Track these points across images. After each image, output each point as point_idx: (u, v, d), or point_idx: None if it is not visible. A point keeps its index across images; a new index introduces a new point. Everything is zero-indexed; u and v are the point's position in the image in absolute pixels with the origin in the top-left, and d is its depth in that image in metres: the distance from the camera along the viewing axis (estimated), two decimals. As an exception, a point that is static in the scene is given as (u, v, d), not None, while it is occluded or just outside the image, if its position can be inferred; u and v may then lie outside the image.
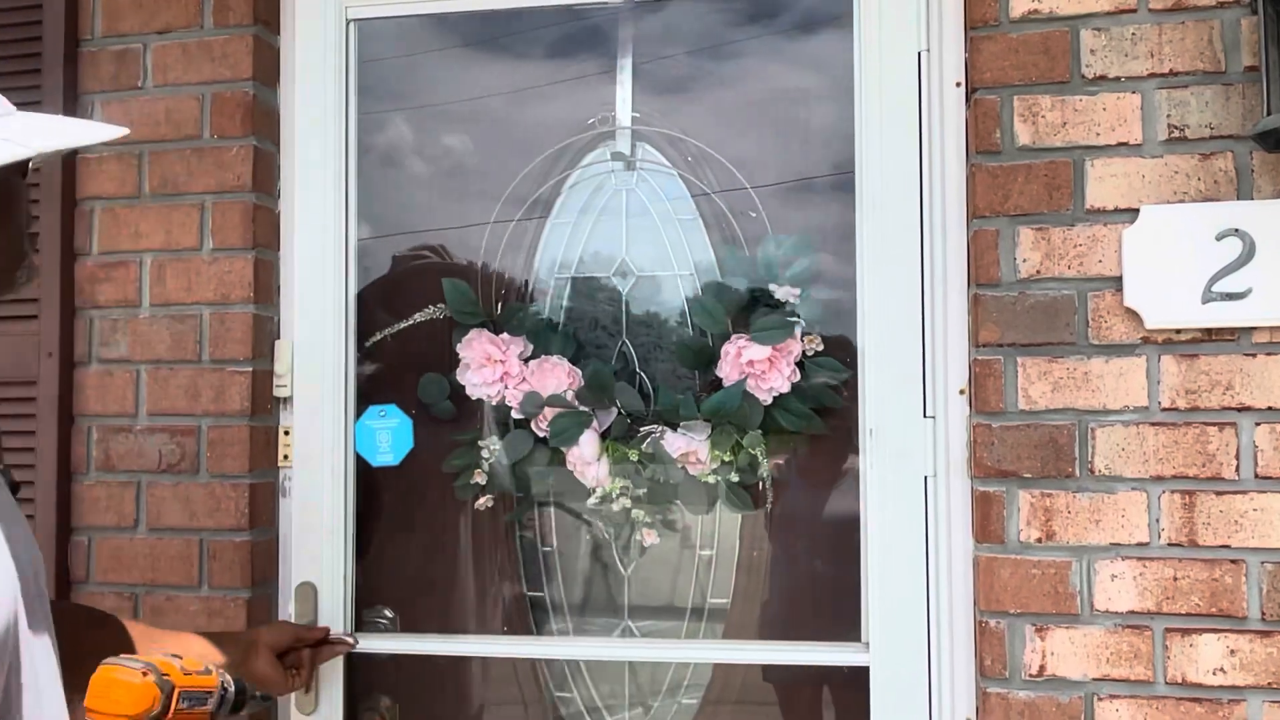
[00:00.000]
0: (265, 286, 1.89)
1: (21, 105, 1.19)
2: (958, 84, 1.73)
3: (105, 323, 1.90)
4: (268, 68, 1.91)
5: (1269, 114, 1.48)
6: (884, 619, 1.71)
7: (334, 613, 1.86)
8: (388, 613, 1.93)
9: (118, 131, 1.07)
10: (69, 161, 1.90)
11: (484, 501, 1.89)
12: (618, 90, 1.87)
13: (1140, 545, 1.56)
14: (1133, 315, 1.58)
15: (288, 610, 1.87)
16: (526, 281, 1.91)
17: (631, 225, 1.88)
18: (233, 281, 1.85)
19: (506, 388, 1.86)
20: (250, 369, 1.85)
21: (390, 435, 1.89)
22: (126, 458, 1.88)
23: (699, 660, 1.87)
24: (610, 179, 1.89)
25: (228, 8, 1.87)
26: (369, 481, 1.92)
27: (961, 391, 1.71)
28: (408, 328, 1.92)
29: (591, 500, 1.85)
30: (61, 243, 1.89)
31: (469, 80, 1.93)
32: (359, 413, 1.91)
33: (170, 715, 1.11)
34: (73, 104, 1.89)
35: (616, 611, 1.88)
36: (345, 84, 1.92)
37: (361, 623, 1.90)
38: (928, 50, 1.74)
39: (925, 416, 1.72)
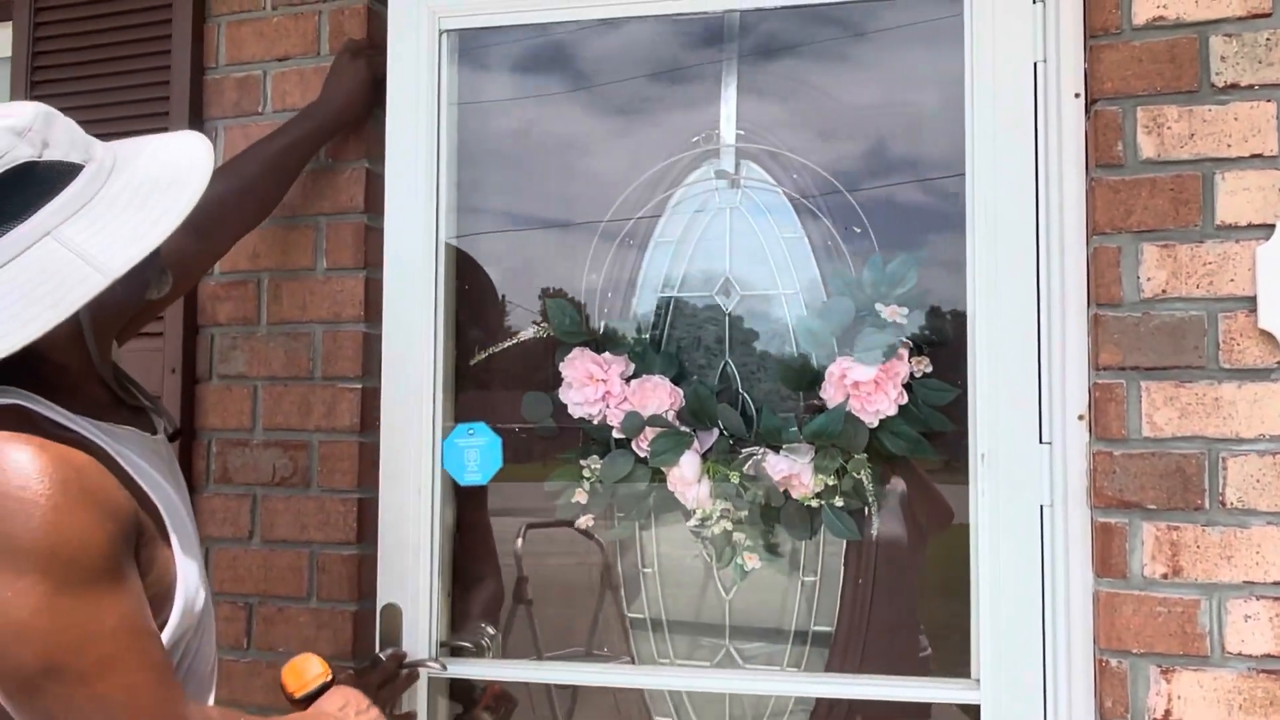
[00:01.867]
0: (375, 305, 1.91)
1: (147, 131, 1.23)
2: (1076, 95, 1.65)
3: (225, 340, 1.96)
4: (381, 91, 1.94)
5: None
6: (997, 655, 1.64)
7: (419, 637, 1.83)
8: (490, 629, 1.93)
9: (190, 199, 1.10)
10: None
11: (584, 521, 1.88)
12: (722, 107, 1.85)
13: (1277, 584, 1.46)
14: (1268, 338, 1.48)
15: (382, 626, 1.86)
16: (629, 300, 1.90)
17: (735, 244, 1.86)
18: (344, 300, 1.89)
19: (608, 407, 1.85)
20: (360, 386, 1.88)
21: (479, 454, 1.86)
22: (243, 471, 1.93)
23: (801, 694, 1.82)
24: (714, 197, 1.87)
25: (343, 34, 1.92)
26: (463, 499, 1.92)
27: (1081, 417, 1.62)
28: (512, 347, 1.92)
29: (692, 522, 1.82)
30: (186, 263, 1.96)
31: (571, 97, 1.94)
32: (449, 431, 1.89)
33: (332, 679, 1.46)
34: (198, 129, 1.95)
35: (718, 634, 1.85)
36: (438, 97, 1.90)
37: (458, 640, 1.90)
38: (1044, 60, 1.67)
39: (1041, 442, 1.64)
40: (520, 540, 1.96)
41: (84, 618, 1.00)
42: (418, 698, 1.84)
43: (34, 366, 1.09)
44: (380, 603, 1.85)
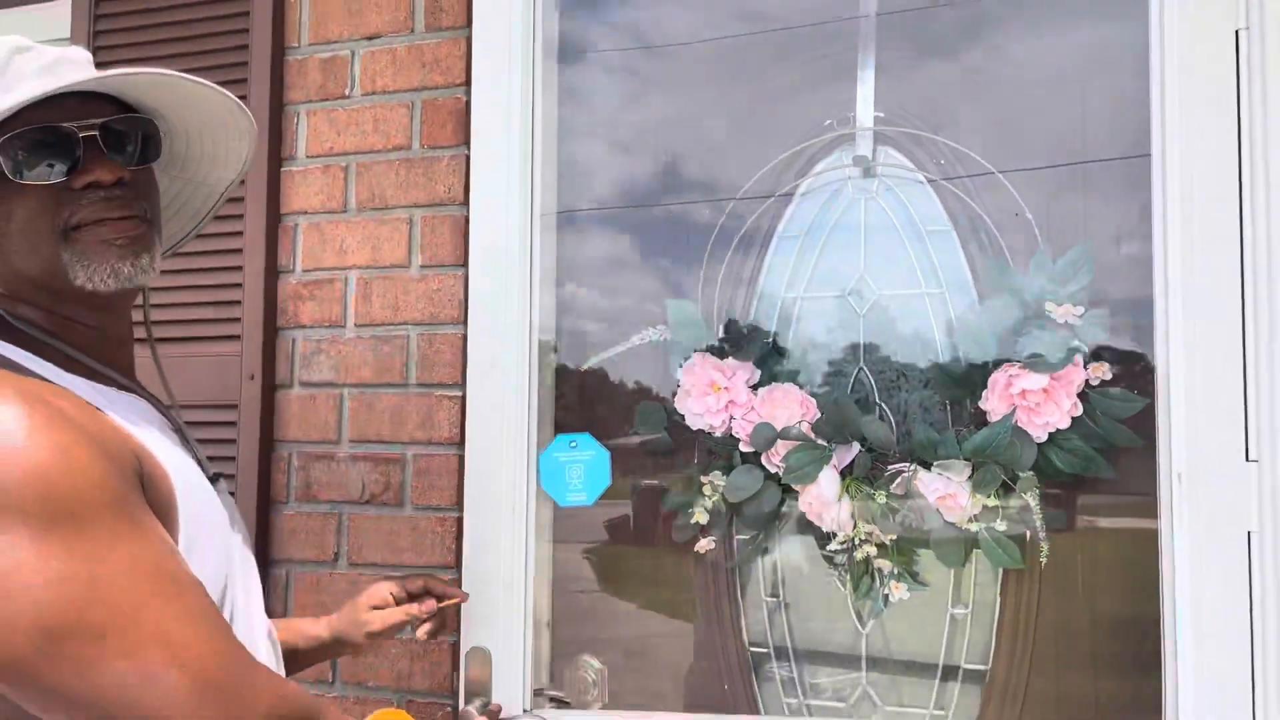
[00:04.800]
0: (474, 305, 1.74)
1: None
2: (1287, 62, 1.44)
3: (308, 344, 1.79)
4: (478, 71, 1.77)
5: None
6: (1196, 706, 1.43)
7: (512, 683, 1.67)
8: (595, 663, 1.75)
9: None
10: (274, 174, 1.81)
11: (705, 544, 1.70)
12: (858, 88, 1.65)
13: None
14: None
15: (468, 673, 1.68)
16: (750, 301, 1.71)
17: (871, 239, 1.66)
18: (442, 300, 1.72)
19: (733, 418, 1.67)
20: (460, 393, 1.71)
21: (584, 470, 1.68)
22: (328, 487, 1.76)
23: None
24: (847, 187, 1.68)
25: (440, 9, 1.75)
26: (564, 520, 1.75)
27: (1292, 430, 1.41)
28: (625, 351, 1.75)
29: (831, 546, 1.63)
30: (265, 260, 1.80)
31: (690, 78, 1.75)
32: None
33: None
34: (279, 115, 1.80)
35: (853, 670, 1.65)
36: (533, 72, 1.73)
37: (559, 681, 1.73)
38: (1247, 28, 1.46)
39: (1248, 460, 1.43)
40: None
41: (88, 563, 0.81)
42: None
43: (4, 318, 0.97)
44: (465, 647, 1.67)
